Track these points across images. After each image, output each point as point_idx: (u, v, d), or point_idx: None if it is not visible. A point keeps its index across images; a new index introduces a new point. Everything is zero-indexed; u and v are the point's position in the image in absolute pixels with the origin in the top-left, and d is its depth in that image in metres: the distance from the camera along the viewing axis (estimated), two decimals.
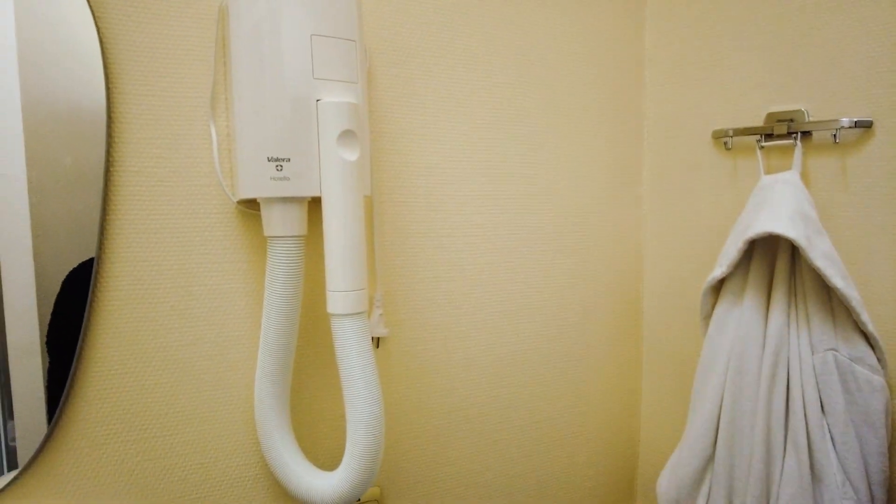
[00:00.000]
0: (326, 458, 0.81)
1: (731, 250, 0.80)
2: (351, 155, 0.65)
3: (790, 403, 0.75)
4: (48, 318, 0.61)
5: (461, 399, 0.91)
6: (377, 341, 0.83)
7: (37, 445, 0.64)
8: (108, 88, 0.66)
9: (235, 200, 0.72)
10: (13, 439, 0.63)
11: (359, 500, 0.83)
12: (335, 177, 0.65)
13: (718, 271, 0.82)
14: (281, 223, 0.67)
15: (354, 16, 0.68)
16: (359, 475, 0.66)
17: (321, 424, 0.81)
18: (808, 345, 0.74)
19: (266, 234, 0.69)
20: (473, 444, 0.93)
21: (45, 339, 0.62)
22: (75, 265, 0.64)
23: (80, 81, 0.63)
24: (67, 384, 0.65)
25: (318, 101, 0.65)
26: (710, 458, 0.84)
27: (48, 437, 0.65)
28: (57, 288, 0.63)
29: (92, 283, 0.66)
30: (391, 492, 0.87)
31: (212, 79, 0.71)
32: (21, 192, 0.56)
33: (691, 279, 0.99)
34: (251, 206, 0.73)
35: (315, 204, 0.75)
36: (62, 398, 0.66)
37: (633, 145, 1.04)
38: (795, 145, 0.80)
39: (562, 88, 0.96)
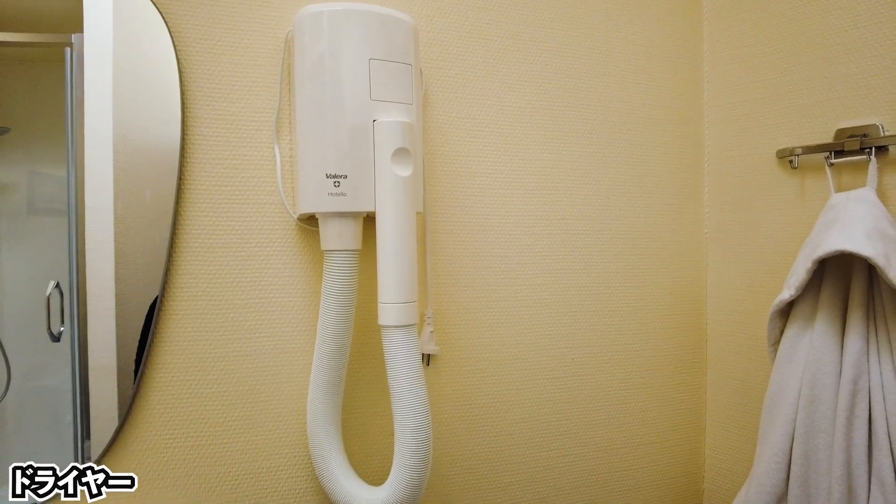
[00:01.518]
0: (376, 474, 0.81)
1: (799, 271, 0.76)
2: (404, 171, 0.67)
3: (873, 437, 0.69)
4: (125, 341, 0.63)
5: (513, 423, 0.89)
6: (427, 359, 0.83)
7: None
8: (183, 116, 0.71)
9: (296, 217, 0.75)
10: (88, 458, 0.64)
11: None
12: (388, 192, 0.67)
13: (786, 294, 0.78)
14: (337, 237, 0.70)
15: (410, 40, 0.72)
16: (405, 490, 0.66)
17: (372, 439, 0.81)
18: (892, 371, 0.68)
19: (323, 248, 0.71)
20: (526, 471, 0.90)
21: (119, 360, 0.63)
22: (153, 293, 0.66)
23: (160, 117, 0.66)
24: (133, 390, 0.69)
25: (374, 121, 0.68)
26: (783, 497, 0.78)
27: (114, 437, 0.69)
28: (133, 313, 0.65)
29: (159, 294, 0.70)
30: None
31: (277, 104, 0.75)
32: (108, 223, 0.60)
33: (757, 303, 0.94)
34: (310, 223, 0.76)
35: (370, 221, 0.77)
36: (129, 402, 0.69)
37: (693, 166, 1.01)
38: (870, 161, 0.75)
39: (618, 109, 0.95)
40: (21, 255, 0.59)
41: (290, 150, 0.76)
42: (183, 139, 0.71)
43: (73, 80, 0.58)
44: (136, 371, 0.67)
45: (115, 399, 0.65)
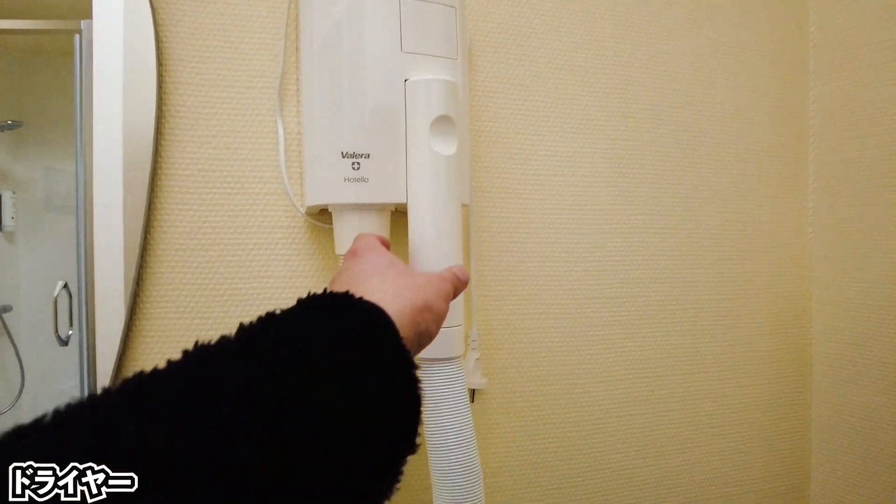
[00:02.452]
0: None
1: None
2: (446, 148, 0.49)
3: None
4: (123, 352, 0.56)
5: (577, 474, 0.70)
6: (472, 394, 0.65)
7: None
8: (159, 81, 0.55)
9: (303, 210, 0.58)
10: None
11: None
12: (425, 176, 0.49)
13: None
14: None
15: None
16: None
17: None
18: None
19: (338, 252, 0.54)
20: None
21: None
22: None
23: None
24: None
25: (406, 80, 0.50)
26: None
27: None
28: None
29: (127, 307, 0.53)
30: None
31: (281, 65, 0.58)
32: (117, 220, 0.54)
33: (879, 321, 0.74)
34: (321, 218, 0.59)
35: (399, 216, 0.59)
36: None
37: (795, 150, 0.81)
38: None
39: (707, 78, 0.76)
40: (38, 254, 0.58)
41: (297, 125, 0.59)
42: (159, 111, 0.55)
43: (83, 69, 0.54)
44: None
45: None
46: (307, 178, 0.53)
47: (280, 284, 0.59)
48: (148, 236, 0.55)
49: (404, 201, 0.51)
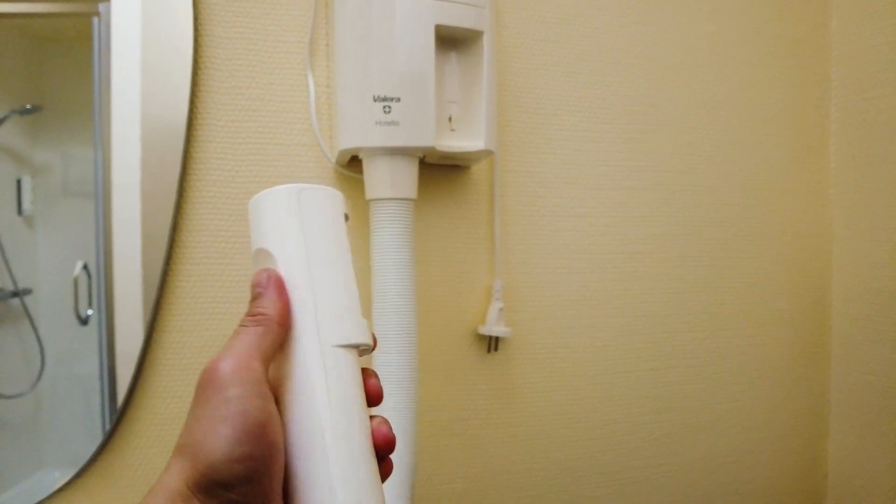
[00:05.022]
0: None
1: None
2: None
3: None
4: (152, 325, 0.57)
5: (598, 426, 0.72)
6: (495, 343, 0.67)
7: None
8: (195, 35, 0.57)
9: (334, 160, 0.60)
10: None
11: None
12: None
13: None
14: (389, 184, 0.54)
15: None
16: None
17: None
18: None
19: (368, 197, 0.56)
20: (613, 483, 0.73)
21: (146, 347, 0.57)
22: None
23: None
24: (132, 379, 0.56)
25: (436, 24, 0.52)
26: None
27: (111, 432, 0.55)
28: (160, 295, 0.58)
29: (164, 261, 0.56)
30: None
31: (312, 18, 0.60)
32: (135, 202, 0.55)
33: None
34: (352, 168, 0.60)
35: (426, 168, 0.61)
36: (130, 388, 0.56)
37: (816, 108, 0.82)
38: None
39: (729, 36, 0.76)
40: (57, 238, 0.58)
41: (327, 78, 0.61)
42: (195, 64, 0.57)
43: (101, 52, 0.54)
44: None
45: None
46: (340, 124, 0.55)
47: None
48: (183, 183, 0.57)
49: (433, 145, 0.53)
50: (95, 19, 0.54)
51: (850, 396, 0.81)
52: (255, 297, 0.29)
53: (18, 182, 0.57)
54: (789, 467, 0.82)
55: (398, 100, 0.51)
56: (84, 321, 0.57)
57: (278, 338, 0.28)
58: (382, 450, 0.30)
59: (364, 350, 0.31)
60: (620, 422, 0.73)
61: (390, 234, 0.54)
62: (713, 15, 0.76)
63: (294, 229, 0.30)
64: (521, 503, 0.69)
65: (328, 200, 0.32)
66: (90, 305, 0.56)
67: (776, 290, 0.80)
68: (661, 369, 0.74)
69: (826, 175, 0.83)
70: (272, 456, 0.25)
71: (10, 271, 0.56)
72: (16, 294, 0.57)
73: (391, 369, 0.53)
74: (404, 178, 0.54)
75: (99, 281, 0.56)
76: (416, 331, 0.54)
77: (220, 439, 0.24)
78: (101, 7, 0.53)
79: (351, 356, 0.30)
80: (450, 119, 0.56)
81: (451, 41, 0.56)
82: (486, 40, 0.55)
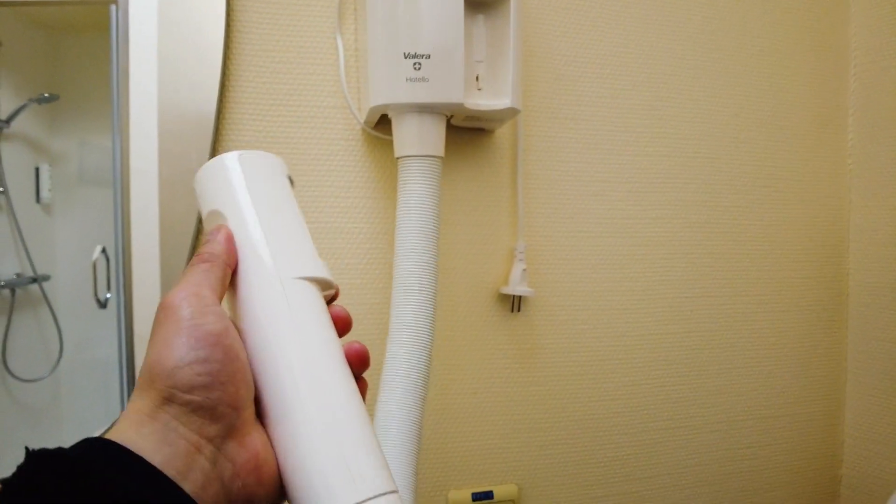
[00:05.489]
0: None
1: None
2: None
3: None
4: None
5: (619, 385, 0.73)
6: (518, 302, 0.68)
7: None
8: (228, 7, 0.58)
9: (362, 120, 0.61)
10: None
11: (492, 497, 0.68)
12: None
13: None
14: (417, 140, 0.55)
15: None
16: None
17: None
18: None
19: (397, 154, 0.57)
20: (633, 445, 0.74)
21: None
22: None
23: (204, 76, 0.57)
24: None
25: None
26: None
27: None
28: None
29: (190, 244, 0.57)
30: (531, 491, 0.70)
31: None
32: (153, 187, 0.56)
33: None
34: (381, 129, 0.62)
35: (453, 131, 0.62)
36: None
37: (835, 79, 0.82)
38: None
39: (747, 7, 0.77)
40: (74, 225, 0.58)
41: (355, 41, 0.62)
42: (227, 28, 0.58)
43: (118, 40, 0.54)
44: None
45: None
46: (370, 82, 0.56)
47: (338, 194, 0.63)
48: (218, 132, 0.59)
49: (462, 101, 0.54)
50: (113, 7, 0.54)
51: (867, 363, 0.82)
52: (203, 244, 0.29)
53: (37, 170, 0.57)
54: (807, 433, 0.83)
55: (428, 56, 0.53)
56: (103, 304, 0.58)
57: (226, 272, 0.28)
58: (357, 366, 0.30)
59: (327, 291, 0.32)
60: (640, 383, 0.74)
61: (417, 189, 0.55)
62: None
63: (240, 186, 0.30)
64: (541, 461, 0.71)
65: (269, 161, 0.32)
66: (109, 289, 0.57)
67: (794, 258, 0.81)
68: (680, 333, 0.76)
69: (844, 145, 0.83)
70: (231, 359, 0.25)
71: (29, 258, 0.57)
72: (34, 280, 0.58)
73: (408, 319, 0.55)
74: (432, 136, 0.56)
75: (118, 265, 0.57)
76: (436, 285, 0.56)
77: (176, 349, 0.24)
78: None
79: (312, 287, 0.30)
80: (477, 79, 0.58)
81: (479, 4, 0.57)
82: (512, 4, 0.56)
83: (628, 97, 0.72)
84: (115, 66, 0.55)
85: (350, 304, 0.61)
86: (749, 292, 0.79)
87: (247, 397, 0.26)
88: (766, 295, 0.79)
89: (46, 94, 0.57)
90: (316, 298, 0.30)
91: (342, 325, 0.31)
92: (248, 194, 0.30)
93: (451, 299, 0.66)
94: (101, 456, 0.22)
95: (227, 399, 0.25)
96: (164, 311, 0.26)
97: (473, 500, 0.67)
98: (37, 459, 0.22)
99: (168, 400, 0.24)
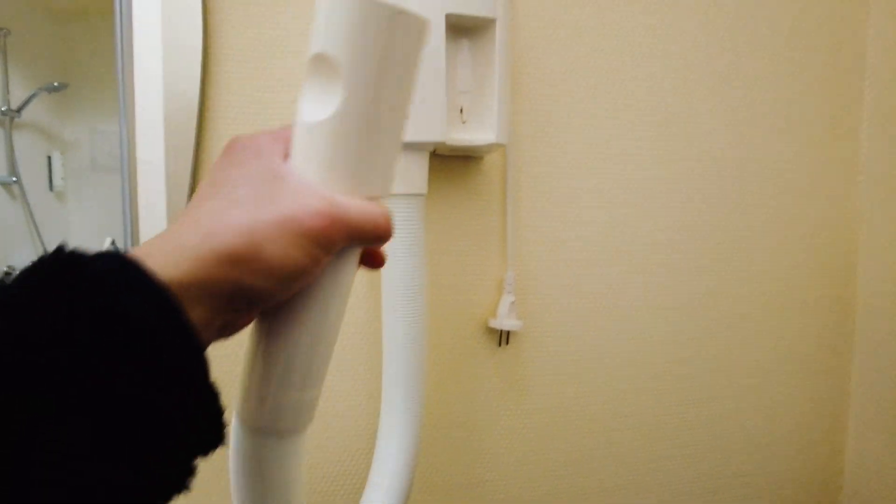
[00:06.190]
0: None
1: None
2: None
3: None
4: None
5: (613, 418, 0.71)
6: (506, 336, 0.66)
7: None
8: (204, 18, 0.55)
9: None
10: None
11: None
12: None
13: None
14: (398, 179, 0.53)
15: None
16: None
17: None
18: None
19: None
20: (627, 475, 0.73)
21: None
22: None
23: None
24: None
25: (446, 13, 0.50)
26: None
27: None
28: None
29: None
30: None
31: None
32: (160, 179, 0.55)
33: None
34: None
35: (438, 160, 0.60)
36: None
37: (850, 92, 0.77)
38: None
39: (755, 13, 0.72)
40: (87, 212, 0.59)
41: None
42: (205, 53, 0.55)
43: (123, 25, 0.53)
44: None
45: None
46: None
47: None
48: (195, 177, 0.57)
49: (443, 140, 0.51)
50: None
51: (872, 392, 0.79)
52: (380, 214, 0.26)
53: (49, 159, 0.58)
54: (806, 459, 0.81)
55: None
56: None
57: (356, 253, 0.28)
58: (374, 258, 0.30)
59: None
60: (630, 415, 0.72)
61: (400, 233, 0.53)
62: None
63: (377, 54, 0.24)
64: (529, 494, 0.69)
65: (419, 34, 0.26)
66: None
67: (800, 282, 0.77)
68: (673, 362, 0.73)
69: (855, 161, 0.79)
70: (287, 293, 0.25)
71: (43, 245, 0.58)
72: None
73: (399, 367, 0.53)
74: (414, 173, 0.53)
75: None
76: (426, 335, 0.54)
77: (277, 252, 0.22)
78: None
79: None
80: (461, 111, 0.55)
81: (462, 30, 0.53)
82: (498, 28, 0.53)
83: (626, 119, 0.68)
84: (120, 52, 0.54)
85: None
86: (752, 316, 0.76)
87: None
88: (770, 319, 0.77)
89: (56, 83, 0.57)
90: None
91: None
92: (376, 72, 0.25)
93: (438, 331, 0.64)
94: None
95: (256, 307, 0.24)
96: (312, 216, 0.23)
97: None
98: (56, 264, 0.20)
99: (216, 281, 0.21)
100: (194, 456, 0.21)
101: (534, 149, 0.66)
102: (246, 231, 0.22)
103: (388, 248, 0.53)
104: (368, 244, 0.27)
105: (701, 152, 0.72)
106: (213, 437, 0.22)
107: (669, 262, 0.71)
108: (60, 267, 0.20)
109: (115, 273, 0.20)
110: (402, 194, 0.53)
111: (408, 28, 0.25)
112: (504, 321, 0.64)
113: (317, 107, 0.25)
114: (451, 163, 0.63)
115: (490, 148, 0.56)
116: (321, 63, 0.24)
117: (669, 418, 0.74)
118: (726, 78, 0.72)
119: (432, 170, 0.57)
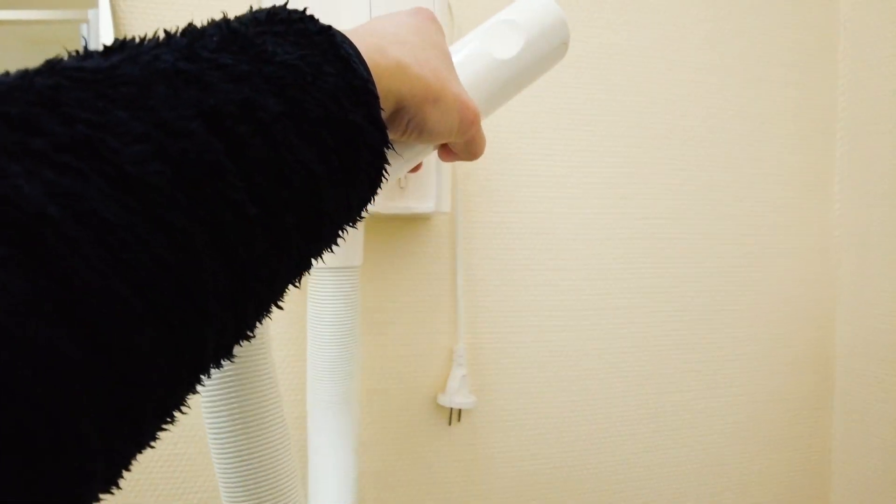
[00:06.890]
0: None
1: None
2: None
3: None
4: None
5: (574, 493, 0.65)
6: (458, 414, 0.60)
7: None
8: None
9: None
10: None
11: None
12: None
13: None
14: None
15: None
16: None
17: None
18: None
19: None
20: None
21: None
22: None
23: None
24: None
25: None
26: None
27: None
28: None
29: None
30: None
31: None
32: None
33: None
34: None
35: (381, 221, 0.55)
36: None
37: (822, 149, 0.74)
38: None
39: (724, 68, 0.69)
40: None
41: None
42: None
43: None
44: None
45: None
46: None
47: None
48: None
49: (377, 210, 0.46)
50: (84, 25, 0.57)
51: (856, 458, 0.74)
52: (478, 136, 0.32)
53: None
54: None
55: None
56: None
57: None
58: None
59: None
60: (595, 490, 0.66)
61: (330, 311, 0.47)
62: (708, 46, 0.68)
63: (541, 40, 0.37)
64: None
65: (562, 34, 0.38)
66: None
67: (776, 343, 0.73)
68: (644, 433, 0.68)
69: (831, 217, 0.75)
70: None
71: None
72: None
73: (329, 461, 0.47)
74: (348, 244, 0.48)
75: None
76: (357, 428, 0.48)
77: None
78: (89, 14, 0.56)
79: None
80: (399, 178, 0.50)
81: None
82: None
83: (583, 175, 0.64)
84: None
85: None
86: (725, 386, 0.71)
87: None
88: (742, 388, 0.72)
89: None
90: None
91: None
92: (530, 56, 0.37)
93: (385, 408, 0.58)
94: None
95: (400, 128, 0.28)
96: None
97: None
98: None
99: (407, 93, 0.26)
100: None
101: (486, 208, 0.61)
102: (445, 85, 0.28)
103: (315, 329, 0.47)
104: (468, 158, 0.33)
105: (669, 211, 0.67)
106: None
107: (635, 328, 0.67)
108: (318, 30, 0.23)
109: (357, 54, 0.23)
110: (333, 267, 0.47)
111: (558, 29, 0.38)
112: (454, 397, 0.59)
113: (505, 49, 0.36)
114: (397, 222, 0.58)
115: (431, 215, 0.51)
116: (511, 26, 0.37)
117: (635, 494, 0.68)
118: (694, 136, 0.68)
119: (376, 231, 0.52)
